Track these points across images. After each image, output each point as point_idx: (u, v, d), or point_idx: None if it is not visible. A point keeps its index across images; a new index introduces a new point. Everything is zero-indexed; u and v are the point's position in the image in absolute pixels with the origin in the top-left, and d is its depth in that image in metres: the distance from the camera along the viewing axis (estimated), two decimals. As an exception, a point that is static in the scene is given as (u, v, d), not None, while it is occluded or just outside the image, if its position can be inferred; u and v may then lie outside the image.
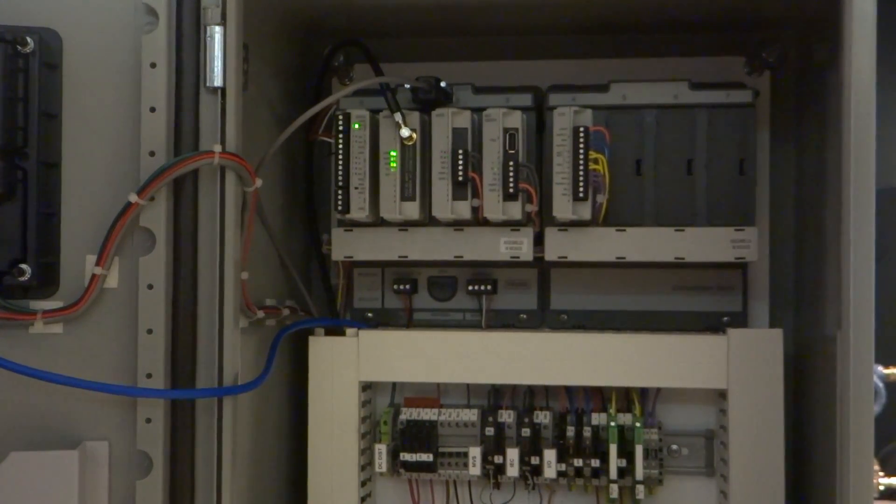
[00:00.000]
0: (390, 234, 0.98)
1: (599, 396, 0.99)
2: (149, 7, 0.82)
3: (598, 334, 0.96)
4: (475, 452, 0.97)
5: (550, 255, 0.95)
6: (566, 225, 0.95)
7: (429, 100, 0.95)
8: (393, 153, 0.94)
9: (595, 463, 0.96)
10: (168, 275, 0.82)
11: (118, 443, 0.82)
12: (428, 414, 1.00)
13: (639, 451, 0.96)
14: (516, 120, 0.93)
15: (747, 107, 0.95)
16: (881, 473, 1.51)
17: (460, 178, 0.92)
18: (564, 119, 0.92)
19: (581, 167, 0.91)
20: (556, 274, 1.02)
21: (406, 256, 0.98)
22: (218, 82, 0.82)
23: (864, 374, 0.78)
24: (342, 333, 0.99)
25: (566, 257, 0.95)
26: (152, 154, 0.81)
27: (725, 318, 0.99)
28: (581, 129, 0.91)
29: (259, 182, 0.85)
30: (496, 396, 1.01)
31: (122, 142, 0.82)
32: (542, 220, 0.96)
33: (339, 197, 0.94)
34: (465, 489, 1.02)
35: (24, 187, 0.81)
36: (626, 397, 0.99)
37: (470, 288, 1.02)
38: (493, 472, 0.98)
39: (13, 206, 0.80)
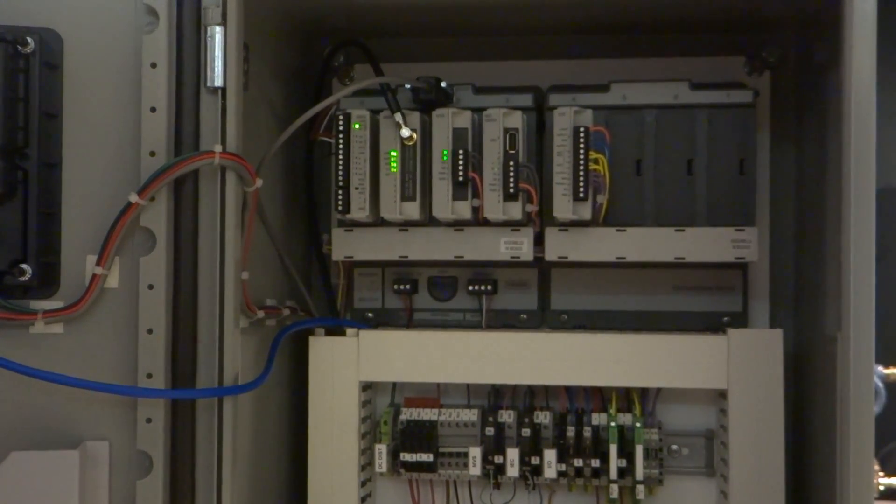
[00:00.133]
0: (390, 234, 0.98)
1: (599, 396, 0.99)
2: (149, 7, 0.82)
3: (598, 334, 0.96)
4: (475, 452, 0.97)
5: (551, 255, 0.96)
6: (566, 225, 0.95)
7: (429, 100, 0.95)
8: (393, 153, 0.94)
9: (595, 463, 0.96)
10: (168, 275, 0.82)
11: (118, 443, 0.82)
12: (428, 414, 1.00)
13: (639, 451, 0.96)
14: (517, 120, 0.93)
15: (747, 107, 0.95)
16: (881, 473, 1.51)
17: (460, 179, 0.92)
18: (565, 119, 0.92)
19: (581, 167, 0.91)
20: (556, 274, 1.02)
21: (406, 256, 0.98)
22: (218, 82, 0.82)
23: (864, 375, 0.78)
24: (342, 333, 0.99)
25: (566, 257, 0.95)
26: (153, 154, 0.81)
27: (725, 319, 0.99)
28: (581, 129, 0.91)
29: (259, 182, 0.85)
30: (496, 396, 1.01)
31: (122, 142, 0.82)
32: (542, 220, 0.96)
33: (340, 197, 0.94)
34: (466, 489, 1.02)
35: (24, 187, 0.81)
36: (627, 397, 0.99)
37: (470, 288, 1.02)
38: (494, 472, 0.98)
39: (14, 206, 0.80)
